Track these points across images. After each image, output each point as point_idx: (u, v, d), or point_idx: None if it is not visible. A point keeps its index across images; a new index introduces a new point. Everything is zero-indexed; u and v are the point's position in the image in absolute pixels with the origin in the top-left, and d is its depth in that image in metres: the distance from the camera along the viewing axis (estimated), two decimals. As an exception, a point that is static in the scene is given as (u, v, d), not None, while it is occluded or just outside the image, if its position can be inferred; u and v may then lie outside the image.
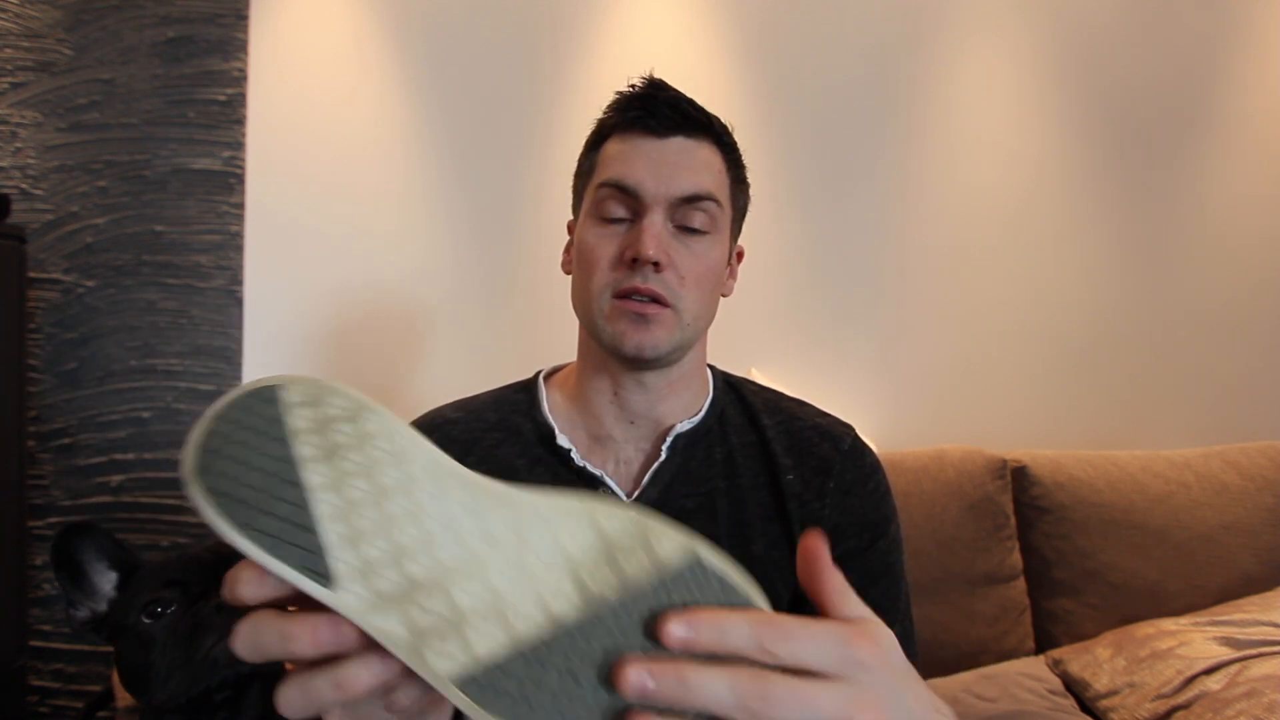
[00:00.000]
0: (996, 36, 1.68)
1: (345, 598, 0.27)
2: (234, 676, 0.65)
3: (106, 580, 0.69)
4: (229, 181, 1.58)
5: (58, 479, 1.54)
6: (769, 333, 1.64)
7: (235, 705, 0.68)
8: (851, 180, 1.66)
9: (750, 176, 0.73)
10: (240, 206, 1.58)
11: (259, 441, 0.28)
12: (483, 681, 0.26)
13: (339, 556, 0.27)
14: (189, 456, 0.28)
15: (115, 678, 1.17)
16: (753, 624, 0.29)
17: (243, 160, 1.58)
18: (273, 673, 0.69)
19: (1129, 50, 1.69)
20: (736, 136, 0.71)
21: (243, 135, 1.58)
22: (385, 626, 0.26)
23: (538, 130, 1.60)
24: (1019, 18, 1.67)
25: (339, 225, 1.59)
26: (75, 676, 1.54)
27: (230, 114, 1.58)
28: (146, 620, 0.66)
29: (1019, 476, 1.44)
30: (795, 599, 0.67)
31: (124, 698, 1.15)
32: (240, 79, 1.58)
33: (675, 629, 0.28)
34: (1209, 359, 1.70)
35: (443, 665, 0.26)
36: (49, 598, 1.54)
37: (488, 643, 0.27)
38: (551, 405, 0.70)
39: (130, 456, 1.55)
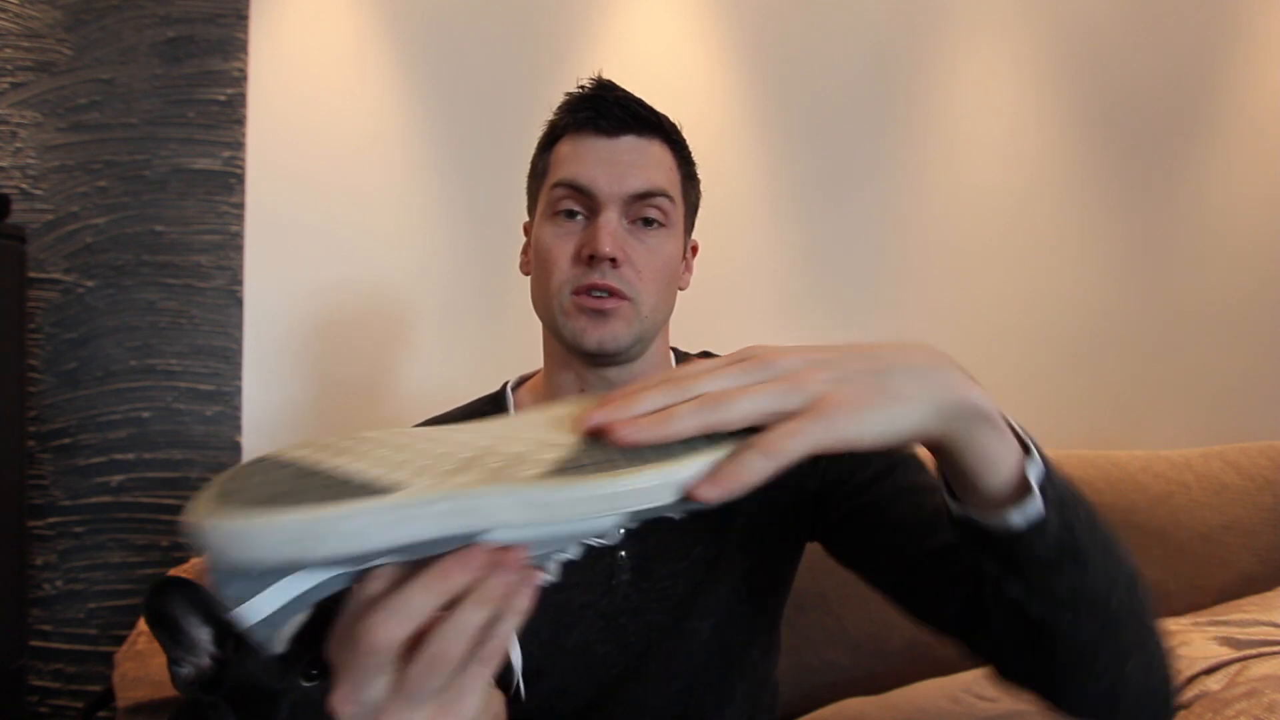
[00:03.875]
0: (996, 37, 1.68)
1: (419, 485, 0.29)
2: None
3: (202, 634, 0.64)
4: (229, 181, 1.58)
5: (58, 479, 1.54)
6: (769, 333, 1.64)
7: None
8: (851, 180, 1.66)
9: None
10: (240, 206, 1.58)
11: (271, 471, 0.30)
12: (557, 472, 0.30)
13: (392, 475, 0.30)
14: (209, 504, 0.28)
15: (115, 678, 1.17)
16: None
17: (243, 160, 1.58)
18: None
19: (1129, 50, 1.69)
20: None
21: (243, 135, 1.58)
22: (464, 480, 0.30)
23: (537, 130, 1.59)
24: (1019, 18, 1.67)
25: (339, 225, 1.59)
26: (75, 676, 1.54)
27: (230, 114, 1.58)
28: (307, 684, 0.59)
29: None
30: (822, 522, 0.68)
31: (124, 698, 1.15)
32: (240, 79, 1.58)
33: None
34: (1209, 359, 1.69)
35: (526, 472, 0.30)
36: (49, 598, 1.54)
37: (548, 454, 0.31)
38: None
39: (130, 456, 1.55)
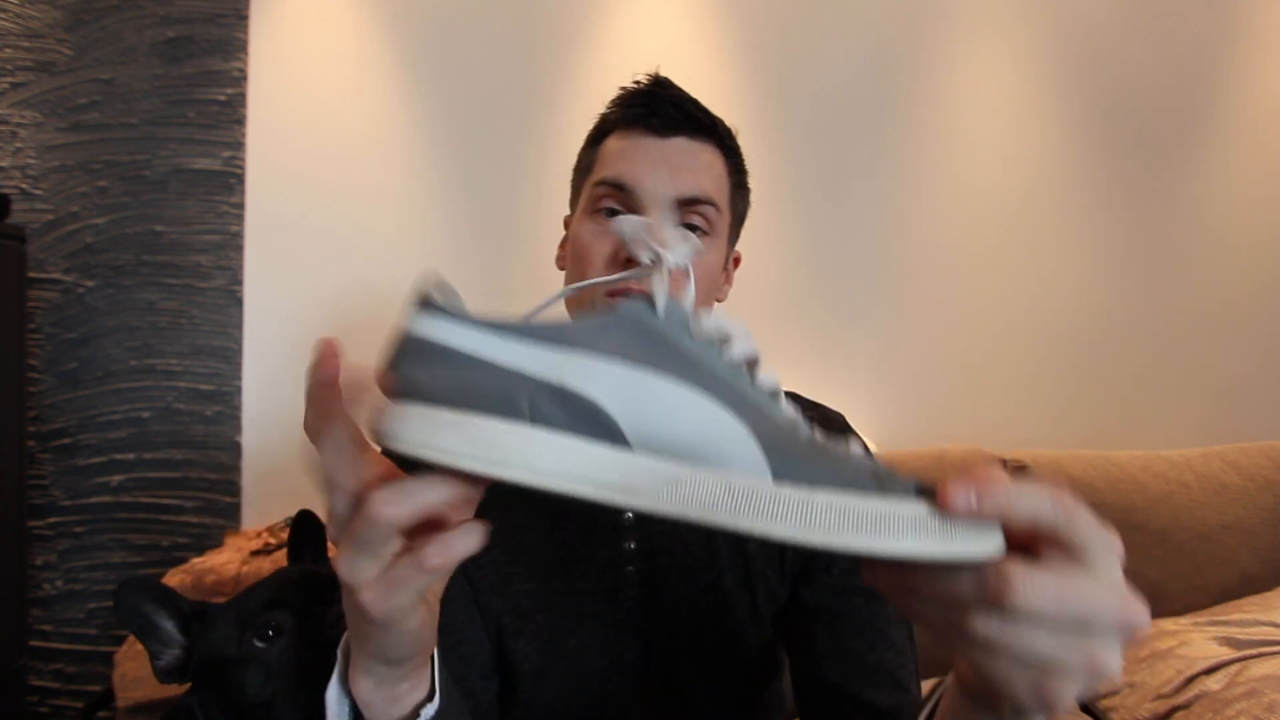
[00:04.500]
0: (997, 37, 1.68)
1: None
2: None
3: (169, 626, 0.67)
4: (229, 181, 1.58)
5: (58, 479, 1.54)
6: (769, 333, 1.64)
7: None
8: (851, 180, 1.66)
9: (750, 177, 0.72)
10: (240, 206, 1.58)
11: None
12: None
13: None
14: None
15: (115, 678, 1.17)
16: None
17: (243, 160, 1.58)
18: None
19: (1129, 50, 1.69)
20: (736, 136, 0.70)
21: (243, 135, 1.58)
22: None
23: (537, 130, 1.60)
24: (1019, 18, 1.67)
25: (339, 225, 1.59)
26: (75, 676, 1.54)
27: (230, 114, 1.58)
28: (260, 644, 0.62)
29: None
30: (792, 593, 0.67)
31: (124, 698, 1.15)
32: (240, 79, 1.58)
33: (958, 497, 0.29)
34: (1209, 359, 1.69)
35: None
36: (49, 598, 1.54)
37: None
38: None
39: (130, 456, 1.55)
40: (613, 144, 0.66)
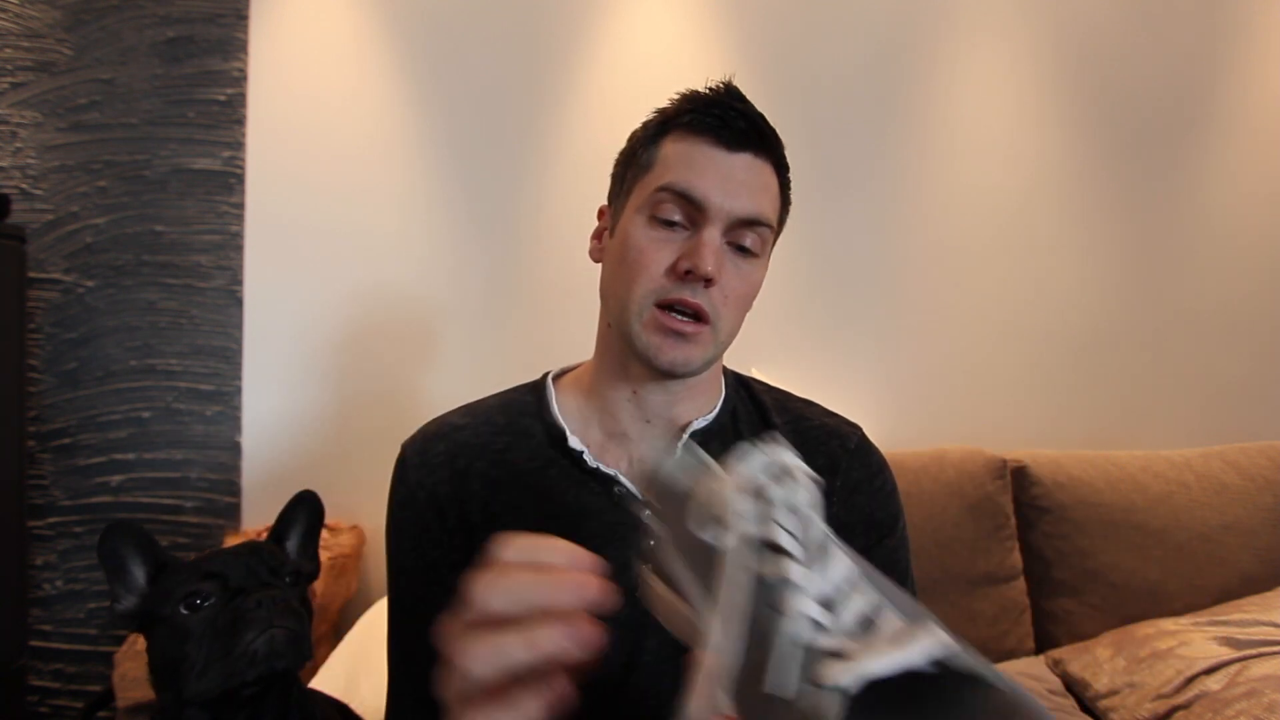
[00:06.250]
0: (997, 37, 1.68)
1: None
2: (267, 671, 0.65)
3: (139, 573, 0.70)
4: (229, 181, 1.58)
5: (58, 479, 1.54)
6: (770, 332, 1.64)
7: (259, 703, 0.67)
8: (852, 180, 1.66)
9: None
10: (240, 206, 1.58)
11: None
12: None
13: None
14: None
15: (114, 678, 1.17)
16: None
17: (243, 160, 1.58)
18: (294, 667, 0.69)
19: (1129, 50, 1.69)
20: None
21: (243, 135, 1.58)
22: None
23: (537, 130, 1.60)
24: (1020, 18, 1.68)
25: (339, 225, 1.59)
26: (75, 676, 1.54)
27: (230, 114, 1.58)
28: (185, 611, 0.65)
29: (1019, 476, 1.44)
30: None
31: (124, 698, 1.15)
32: (240, 79, 1.58)
33: None
34: (1209, 359, 1.70)
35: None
36: (49, 598, 1.54)
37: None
38: (562, 406, 0.69)
39: (130, 456, 1.55)
40: (677, 147, 0.64)
